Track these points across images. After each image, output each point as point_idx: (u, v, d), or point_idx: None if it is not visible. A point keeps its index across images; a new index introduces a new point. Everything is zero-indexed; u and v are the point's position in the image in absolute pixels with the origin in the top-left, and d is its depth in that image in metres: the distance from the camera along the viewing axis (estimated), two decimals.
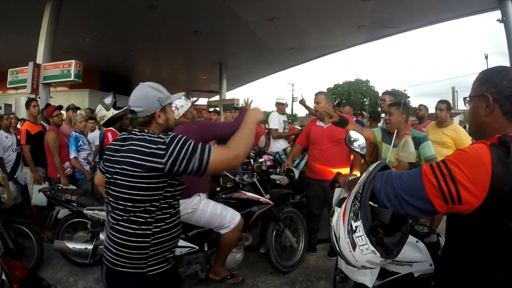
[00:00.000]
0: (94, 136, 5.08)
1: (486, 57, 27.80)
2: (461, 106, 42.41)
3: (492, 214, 0.93)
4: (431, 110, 4.64)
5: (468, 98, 1.16)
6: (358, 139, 1.79)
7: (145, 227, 1.43)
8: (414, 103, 44.54)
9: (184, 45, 13.94)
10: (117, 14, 10.23)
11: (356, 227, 1.04)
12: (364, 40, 14.42)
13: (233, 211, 2.57)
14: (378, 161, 1.21)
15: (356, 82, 44.18)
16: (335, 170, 2.95)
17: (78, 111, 5.60)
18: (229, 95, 20.26)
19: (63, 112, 4.62)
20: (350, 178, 1.40)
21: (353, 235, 1.05)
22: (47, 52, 8.39)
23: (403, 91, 43.67)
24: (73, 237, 3.25)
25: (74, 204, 3.26)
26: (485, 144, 0.96)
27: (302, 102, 4.84)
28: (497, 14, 9.19)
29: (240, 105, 16.54)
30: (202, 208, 2.44)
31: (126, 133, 1.55)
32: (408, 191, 0.99)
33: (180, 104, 2.57)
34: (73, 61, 8.21)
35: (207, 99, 26.34)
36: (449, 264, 1.14)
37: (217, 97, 20.87)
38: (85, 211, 2.66)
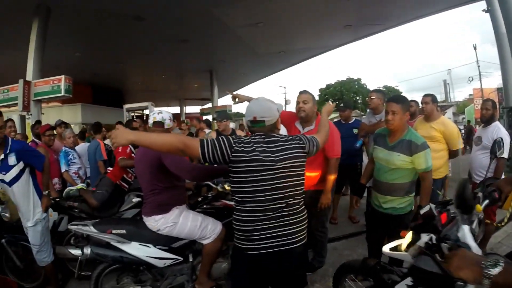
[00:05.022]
0: (80, 148, 4.94)
1: (475, 48, 28.15)
2: (454, 98, 42.90)
3: None
4: None
5: None
6: None
7: None
8: None
9: (173, 54, 13.99)
10: (104, 27, 10.28)
11: None
12: (352, 39, 14.51)
13: (214, 221, 2.52)
14: None
15: (347, 81, 44.35)
16: (311, 174, 2.88)
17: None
18: (221, 101, 20.30)
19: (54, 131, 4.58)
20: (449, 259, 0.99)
21: None
22: (37, 68, 8.37)
23: (394, 87, 43.78)
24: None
25: (76, 210, 3.28)
26: None
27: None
28: (483, 4, 9.16)
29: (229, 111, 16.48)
30: (182, 221, 2.41)
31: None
32: None
33: (169, 116, 2.61)
34: (63, 76, 8.20)
35: (199, 107, 26.31)
36: None
37: (209, 105, 20.90)
38: (69, 227, 2.60)
